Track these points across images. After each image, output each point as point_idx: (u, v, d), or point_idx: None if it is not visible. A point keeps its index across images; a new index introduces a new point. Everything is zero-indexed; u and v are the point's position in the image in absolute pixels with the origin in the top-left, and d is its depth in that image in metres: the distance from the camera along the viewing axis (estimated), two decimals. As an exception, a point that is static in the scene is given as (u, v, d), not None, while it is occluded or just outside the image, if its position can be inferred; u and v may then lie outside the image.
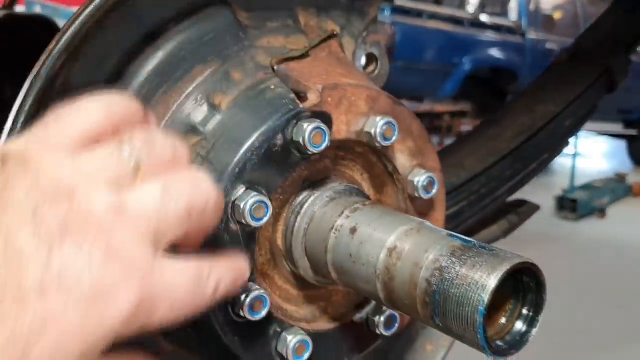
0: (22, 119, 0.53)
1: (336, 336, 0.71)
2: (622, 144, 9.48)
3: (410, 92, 7.07)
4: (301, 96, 0.65)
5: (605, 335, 3.74)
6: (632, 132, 8.70)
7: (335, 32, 0.75)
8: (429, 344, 0.92)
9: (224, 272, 0.47)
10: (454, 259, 0.52)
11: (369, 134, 0.67)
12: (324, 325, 0.71)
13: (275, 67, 0.68)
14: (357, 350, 0.73)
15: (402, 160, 0.72)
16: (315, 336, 0.68)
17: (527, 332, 0.53)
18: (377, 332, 0.72)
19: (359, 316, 0.73)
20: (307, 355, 0.66)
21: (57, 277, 0.36)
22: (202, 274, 0.45)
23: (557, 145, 1.31)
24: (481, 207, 1.20)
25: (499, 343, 0.52)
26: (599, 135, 9.66)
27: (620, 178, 7.39)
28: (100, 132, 0.43)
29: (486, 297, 0.49)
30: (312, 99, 0.65)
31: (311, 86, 0.65)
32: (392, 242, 0.58)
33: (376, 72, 0.81)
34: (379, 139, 0.67)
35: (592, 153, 10.18)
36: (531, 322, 0.53)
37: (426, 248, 0.55)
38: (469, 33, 7.27)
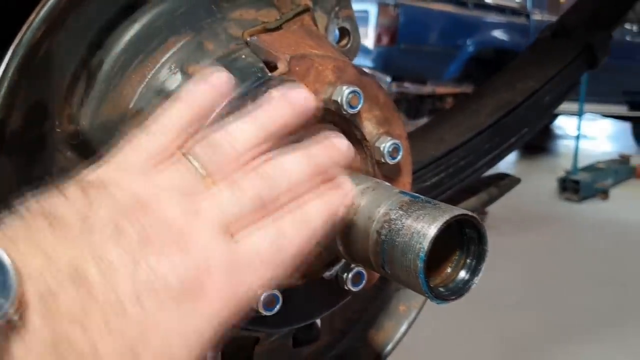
0: (4, 88, 0.58)
1: (307, 292, 0.76)
2: (626, 126, 9.46)
3: (414, 74, 7.07)
4: (271, 66, 0.70)
5: (607, 313, 3.79)
6: (638, 113, 8.67)
7: (308, 7, 0.79)
8: (402, 304, 0.97)
9: (311, 210, 0.49)
10: (401, 212, 0.57)
11: (336, 102, 0.72)
12: (294, 282, 0.76)
13: (248, 39, 0.72)
14: (327, 306, 0.78)
15: (369, 128, 0.77)
16: (285, 291, 0.73)
17: (470, 280, 0.58)
18: (345, 288, 0.77)
19: (328, 273, 0.78)
20: (277, 307, 0.71)
21: (146, 283, 0.40)
22: (280, 231, 0.46)
23: (537, 120, 1.35)
24: (460, 178, 1.25)
25: (441, 289, 0.57)
26: (604, 117, 9.64)
27: (624, 159, 7.39)
28: (170, 150, 0.47)
29: (426, 244, 0.53)
30: (281, 68, 0.69)
31: (280, 56, 0.70)
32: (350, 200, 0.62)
33: (349, 45, 0.85)
34: (345, 107, 0.72)
35: (596, 135, 10.17)
36: (474, 271, 0.58)
37: (379, 203, 0.60)
38: (473, 14, 7.26)
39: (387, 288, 0.98)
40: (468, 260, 0.58)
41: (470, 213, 0.56)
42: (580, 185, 6.27)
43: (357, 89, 0.72)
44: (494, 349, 3.29)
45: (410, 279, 0.55)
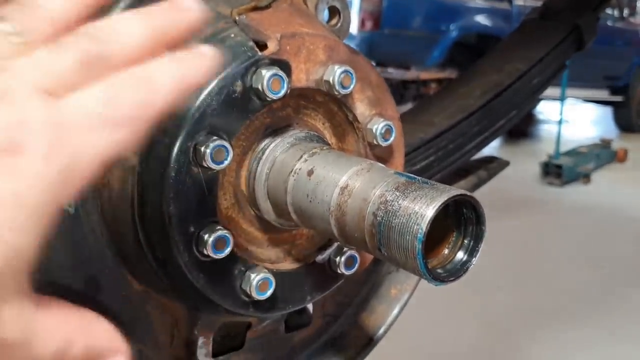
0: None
1: (299, 276, 0.75)
2: (607, 111, 9.54)
3: (398, 59, 7.07)
4: (260, 45, 0.68)
5: (589, 295, 3.84)
6: (618, 98, 8.76)
7: (297, -15, 0.77)
8: (394, 287, 0.96)
9: (153, 70, 0.44)
10: (397, 193, 0.56)
11: (328, 82, 0.70)
12: (288, 265, 0.75)
13: (237, 18, 0.70)
14: (320, 289, 0.77)
15: (361, 109, 0.75)
16: (278, 275, 0.72)
17: (468, 260, 0.57)
18: (338, 271, 0.76)
19: (320, 257, 0.77)
20: (270, 291, 0.70)
21: None
22: (113, 90, 0.42)
23: (525, 102, 1.35)
24: (449, 161, 1.24)
25: (439, 270, 0.56)
26: (585, 101, 9.71)
27: (605, 144, 7.46)
28: None
29: (424, 225, 0.52)
30: (271, 47, 0.67)
31: (270, 35, 0.68)
32: (345, 181, 0.61)
33: (339, 24, 0.83)
34: (337, 87, 0.70)
35: (578, 120, 10.24)
36: (472, 252, 0.57)
37: (374, 185, 0.59)
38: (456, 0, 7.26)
39: (378, 271, 0.97)
40: (465, 241, 0.58)
41: (468, 193, 0.55)
42: (562, 169, 6.32)
43: (349, 68, 0.71)
44: (476, 331, 3.32)
45: (407, 260, 0.54)
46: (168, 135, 0.63)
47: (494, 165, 1.38)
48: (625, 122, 8.79)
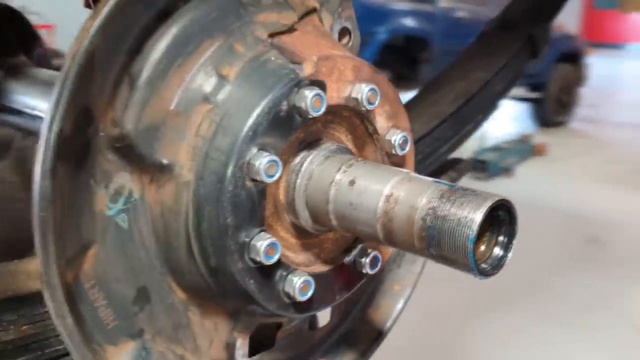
0: (65, 97, 0.59)
1: (330, 277, 0.82)
2: (526, 107, 10.05)
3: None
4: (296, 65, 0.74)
5: (519, 284, 4.05)
6: (536, 95, 9.24)
7: (315, 7, 0.84)
8: (396, 284, 1.04)
9: None
10: (444, 200, 0.64)
11: (356, 99, 0.77)
12: (319, 268, 0.81)
13: (271, 41, 0.76)
14: (347, 289, 0.84)
15: (380, 122, 0.83)
16: (315, 277, 0.78)
17: (504, 255, 0.65)
18: (363, 271, 0.83)
19: (347, 259, 0.83)
20: (310, 292, 0.76)
21: None
22: None
23: (490, 107, 1.46)
24: (426, 165, 1.33)
25: (484, 265, 0.64)
26: (506, 99, 10.18)
27: (524, 139, 7.88)
28: None
29: (475, 228, 0.60)
30: (308, 68, 0.73)
31: (307, 57, 0.74)
32: (389, 190, 0.68)
33: (350, 44, 0.90)
34: (364, 103, 0.77)
35: (499, 117, 10.73)
36: (506, 248, 0.66)
37: (418, 193, 0.66)
38: (382, 2, 7.44)
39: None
40: (500, 238, 0.66)
41: (506, 198, 0.63)
42: (487, 164, 6.65)
43: (375, 86, 0.78)
44: (420, 322, 3.46)
45: (458, 259, 0.62)
46: (224, 152, 0.68)
47: (461, 166, 1.49)
48: (543, 118, 9.30)
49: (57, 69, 1.91)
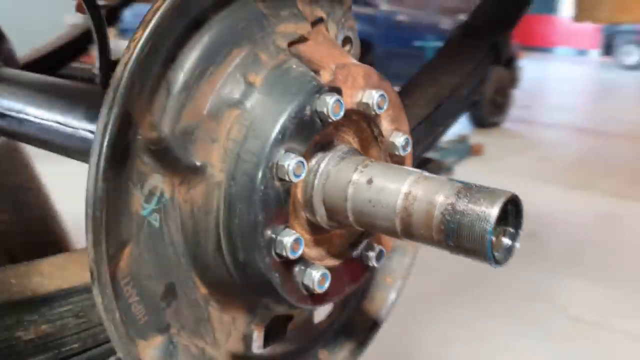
0: (118, 105, 0.63)
1: (341, 270, 0.87)
2: (462, 108, 10.40)
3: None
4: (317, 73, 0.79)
5: (462, 280, 4.20)
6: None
7: (322, 17, 0.89)
8: (388, 276, 1.11)
9: None
10: (460, 196, 0.71)
11: (366, 104, 0.83)
12: (330, 262, 0.87)
13: (290, 49, 0.81)
14: (355, 281, 0.90)
15: (385, 125, 0.89)
16: (329, 270, 0.83)
17: (513, 245, 0.73)
18: (370, 264, 0.89)
19: (355, 253, 0.89)
20: (327, 285, 0.82)
21: None
22: None
23: (459, 110, 1.55)
24: (405, 164, 1.41)
25: (497, 254, 0.71)
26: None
27: (462, 139, 8.16)
28: None
29: (493, 221, 0.68)
30: (326, 76, 0.79)
31: (324, 65, 0.79)
32: (407, 188, 0.75)
33: (351, 52, 0.96)
34: (374, 108, 0.83)
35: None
36: (514, 238, 0.73)
37: (436, 191, 0.73)
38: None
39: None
40: (508, 229, 0.73)
41: (514, 193, 0.71)
42: (431, 163, 6.86)
43: (384, 92, 0.84)
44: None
45: (476, 249, 0.69)
46: (255, 154, 0.73)
47: (432, 166, 1.57)
48: (479, 118, 9.64)
49: (23, 68, 1.87)
